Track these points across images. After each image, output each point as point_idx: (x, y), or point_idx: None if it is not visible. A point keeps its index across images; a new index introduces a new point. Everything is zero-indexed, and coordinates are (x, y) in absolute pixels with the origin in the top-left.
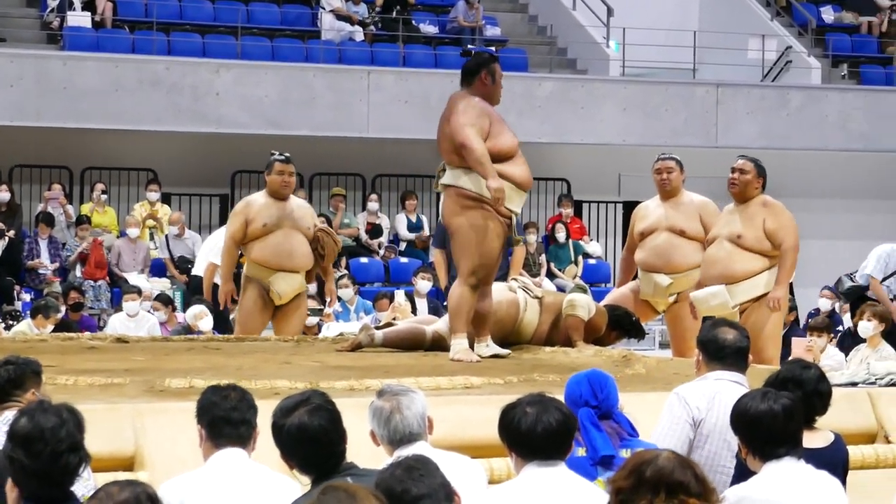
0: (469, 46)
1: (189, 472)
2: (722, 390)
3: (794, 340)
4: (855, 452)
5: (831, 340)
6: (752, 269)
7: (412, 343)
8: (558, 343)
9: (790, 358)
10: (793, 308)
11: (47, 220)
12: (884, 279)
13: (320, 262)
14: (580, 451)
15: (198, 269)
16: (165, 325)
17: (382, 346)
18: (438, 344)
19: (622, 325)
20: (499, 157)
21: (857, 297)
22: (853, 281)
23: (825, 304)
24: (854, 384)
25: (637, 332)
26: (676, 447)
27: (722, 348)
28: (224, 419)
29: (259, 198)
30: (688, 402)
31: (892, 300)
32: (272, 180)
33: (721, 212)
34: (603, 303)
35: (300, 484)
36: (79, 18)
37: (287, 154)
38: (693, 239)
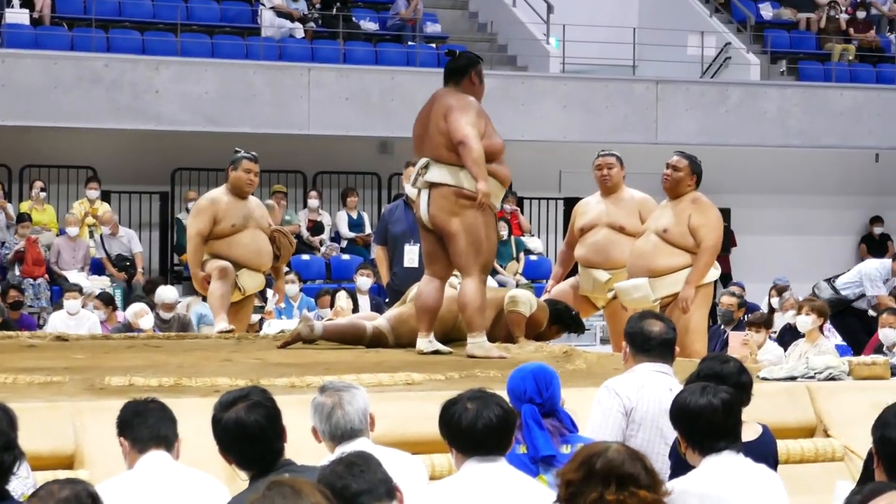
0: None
1: (117, 476)
2: (649, 379)
3: (731, 335)
4: (794, 446)
5: (770, 335)
6: (675, 264)
7: (352, 338)
8: (499, 338)
9: (727, 352)
10: (742, 304)
11: None
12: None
13: (274, 262)
14: (521, 449)
15: None
16: (106, 323)
17: (322, 338)
18: (378, 340)
19: (562, 319)
20: (490, 157)
21: (842, 309)
22: (834, 289)
23: (776, 303)
24: (793, 378)
25: (577, 327)
26: (611, 438)
27: (648, 339)
28: (147, 427)
29: (222, 196)
30: (618, 393)
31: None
32: (238, 177)
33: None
34: (543, 298)
35: (233, 484)
36: (17, 15)
37: (255, 153)
38: (632, 235)
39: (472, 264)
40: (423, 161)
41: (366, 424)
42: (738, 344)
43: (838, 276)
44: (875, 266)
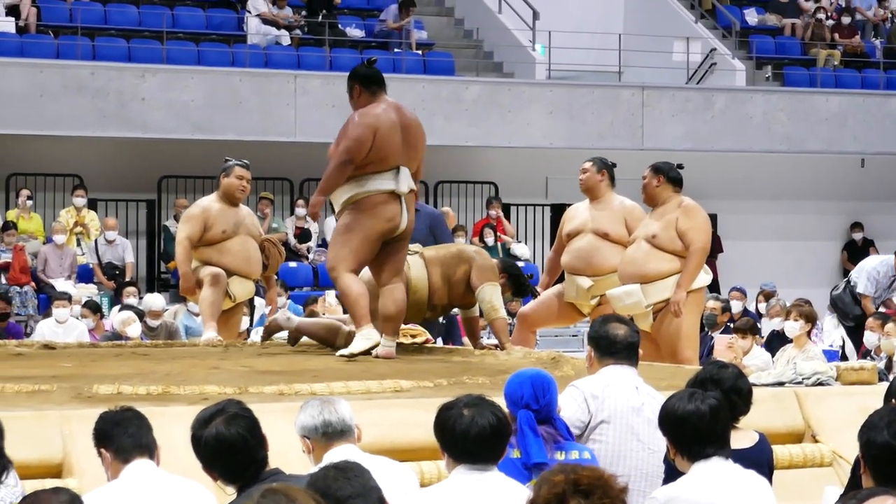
0: (366, 61)
1: (104, 486)
2: (614, 378)
3: (717, 338)
4: (783, 452)
5: (757, 341)
6: (666, 269)
7: (325, 336)
8: (457, 301)
9: (712, 357)
10: (726, 309)
11: None
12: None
13: (264, 272)
14: (514, 453)
15: None
16: (93, 332)
17: (296, 332)
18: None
19: (511, 272)
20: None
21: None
22: (854, 297)
23: (762, 308)
24: (781, 384)
25: (522, 288)
26: (575, 417)
27: (614, 343)
28: (128, 436)
29: (213, 203)
30: (581, 388)
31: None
32: (230, 184)
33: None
34: (530, 305)
35: (224, 493)
36: (2, 23)
37: (247, 161)
38: (617, 242)
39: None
40: (406, 170)
41: (354, 429)
42: (724, 347)
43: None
44: (874, 264)
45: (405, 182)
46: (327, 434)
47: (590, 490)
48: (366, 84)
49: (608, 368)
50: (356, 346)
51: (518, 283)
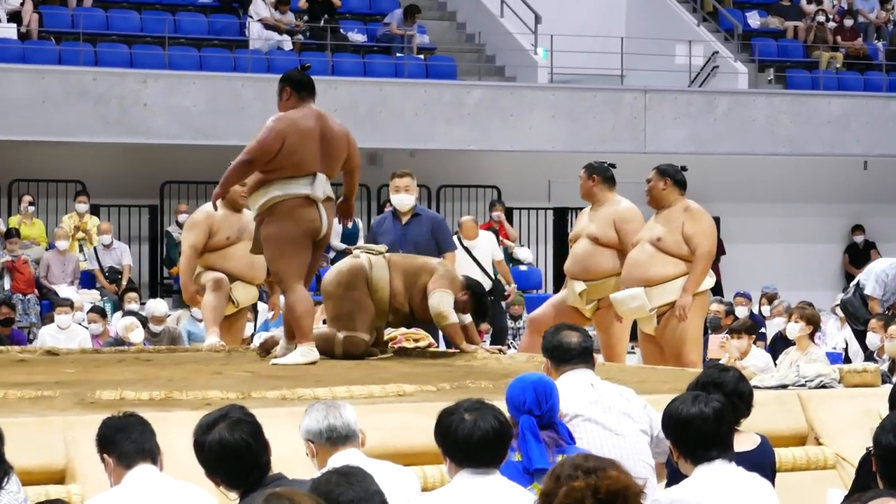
0: (300, 66)
1: (107, 492)
2: (568, 381)
3: (710, 338)
4: (786, 454)
5: (755, 342)
6: (670, 272)
7: (323, 345)
8: (417, 309)
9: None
10: (730, 311)
11: None
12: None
13: (267, 277)
14: (515, 456)
15: None
16: (99, 338)
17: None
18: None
19: (474, 290)
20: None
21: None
22: (863, 298)
23: (765, 311)
24: (784, 386)
25: (482, 309)
26: None
27: (568, 351)
28: (131, 442)
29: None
30: None
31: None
32: (233, 189)
33: (644, 218)
34: (539, 309)
35: (228, 498)
36: (4, 30)
37: None
38: (606, 246)
39: None
40: (323, 176)
41: (358, 434)
42: (716, 347)
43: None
44: (882, 267)
45: (320, 188)
46: (332, 439)
47: (610, 498)
48: (296, 88)
49: (565, 376)
50: (292, 358)
51: (479, 304)
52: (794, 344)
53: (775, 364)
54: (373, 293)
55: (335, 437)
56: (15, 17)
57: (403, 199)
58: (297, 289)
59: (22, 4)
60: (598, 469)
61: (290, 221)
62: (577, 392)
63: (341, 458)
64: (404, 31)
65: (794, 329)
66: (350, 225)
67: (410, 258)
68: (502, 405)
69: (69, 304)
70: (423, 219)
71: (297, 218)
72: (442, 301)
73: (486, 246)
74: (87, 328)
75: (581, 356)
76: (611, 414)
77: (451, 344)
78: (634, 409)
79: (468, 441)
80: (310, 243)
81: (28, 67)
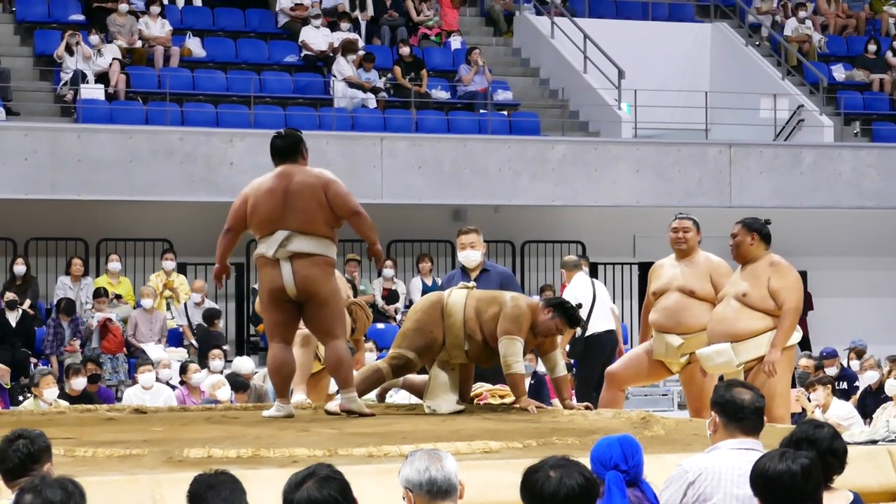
0: (282, 130)
1: None
2: (729, 462)
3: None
4: None
5: (833, 393)
6: (757, 328)
7: (373, 385)
8: (488, 336)
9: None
10: (819, 367)
11: (68, 309)
12: None
13: (351, 335)
14: None
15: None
16: (190, 396)
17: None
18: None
19: (557, 305)
20: None
21: None
22: None
23: (855, 366)
24: (874, 442)
25: (571, 317)
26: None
27: (741, 409)
28: (221, 500)
29: None
30: (687, 469)
31: None
32: None
33: (733, 272)
34: (618, 363)
35: None
36: (92, 91)
37: None
38: (703, 299)
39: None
40: (282, 234)
41: (457, 487)
42: (792, 401)
43: None
44: None
45: (272, 247)
46: (431, 492)
47: None
48: (271, 156)
49: (728, 443)
50: (267, 412)
51: (565, 313)
52: (882, 397)
53: (864, 418)
54: (446, 317)
55: (435, 491)
56: (103, 78)
57: (469, 255)
58: (272, 346)
59: (110, 66)
60: None
61: (260, 281)
62: (734, 475)
63: None
64: (478, 82)
65: (894, 385)
66: (382, 268)
67: (489, 291)
68: (585, 462)
69: (150, 362)
70: (493, 274)
71: (261, 278)
72: (508, 348)
73: (604, 293)
74: (174, 387)
75: (753, 416)
76: None
77: (537, 401)
78: None
79: (554, 498)
80: (277, 302)
81: (115, 128)
